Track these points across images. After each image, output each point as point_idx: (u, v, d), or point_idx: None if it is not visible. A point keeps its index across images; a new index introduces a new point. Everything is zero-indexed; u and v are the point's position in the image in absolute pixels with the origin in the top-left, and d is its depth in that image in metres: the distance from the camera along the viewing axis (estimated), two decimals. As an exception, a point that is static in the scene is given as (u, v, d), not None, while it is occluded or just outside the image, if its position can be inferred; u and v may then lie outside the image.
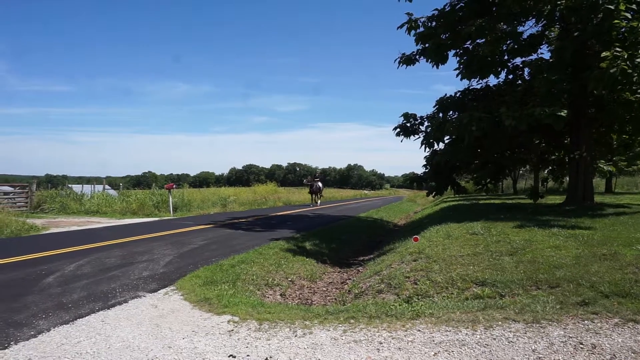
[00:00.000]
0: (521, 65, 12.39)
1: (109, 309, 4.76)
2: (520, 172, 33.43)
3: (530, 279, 4.84)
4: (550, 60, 10.31)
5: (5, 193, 19.29)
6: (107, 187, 24.84)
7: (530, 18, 11.16)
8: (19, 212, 15.91)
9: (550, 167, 15.42)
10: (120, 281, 5.99)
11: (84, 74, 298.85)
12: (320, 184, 25.79)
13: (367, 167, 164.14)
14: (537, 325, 3.64)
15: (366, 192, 78.89)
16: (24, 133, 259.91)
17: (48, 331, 4.04)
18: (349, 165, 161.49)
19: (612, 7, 8.63)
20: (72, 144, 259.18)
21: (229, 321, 4.31)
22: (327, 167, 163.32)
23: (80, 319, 4.38)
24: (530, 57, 11.58)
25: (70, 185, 23.62)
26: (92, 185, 24.41)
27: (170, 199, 18.59)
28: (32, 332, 3.99)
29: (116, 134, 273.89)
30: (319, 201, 26.25)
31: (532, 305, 4.06)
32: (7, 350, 3.60)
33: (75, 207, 18.34)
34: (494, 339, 3.47)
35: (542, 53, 11.56)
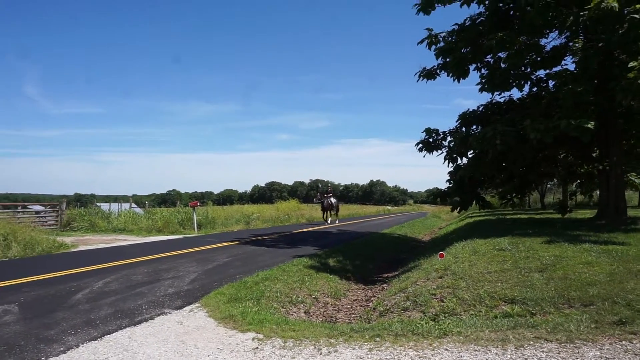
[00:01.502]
0: (545, 78, 12.20)
1: (135, 325, 4.82)
2: (548, 186, 32.63)
3: (562, 296, 4.68)
4: (575, 71, 10.13)
5: (37, 212, 19.97)
6: (133, 205, 25.38)
7: (553, 30, 11.03)
8: (49, 230, 16.38)
9: (578, 181, 15.02)
10: (146, 298, 6.07)
11: (113, 96, 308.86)
12: (333, 200, 23.62)
13: (390, 183, 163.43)
14: (571, 345, 3.51)
15: (389, 207, 78.21)
16: (55, 154, 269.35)
17: (77, 347, 4.11)
18: (372, 181, 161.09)
19: (638, 17, 8.45)
20: (100, 164, 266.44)
21: (253, 338, 4.30)
22: (350, 183, 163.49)
23: (108, 335, 4.45)
24: (555, 69, 11.41)
25: (98, 204, 24.23)
26: (119, 204, 24.98)
27: (195, 216, 18.84)
28: (62, 348, 4.07)
29: (143, 153, 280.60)
30: (333, 219, 24.21)
31: (565, 324, 3.91)
32: (38, 366, 3.68)
33: (103, 225, 18.77)
34: (526, 359, 3.36)
35: (566, 64, 11.37)
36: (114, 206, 23.89)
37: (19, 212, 19.46)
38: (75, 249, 12.09)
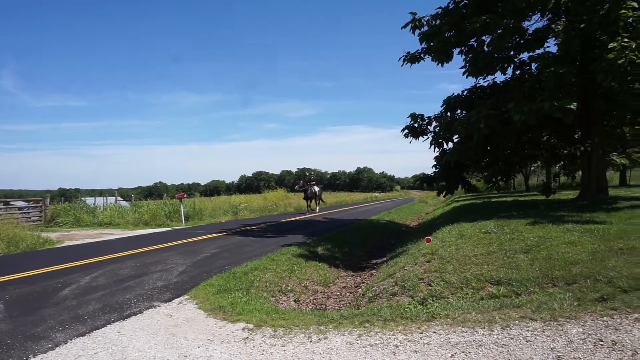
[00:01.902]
0: (528, 60, 12.27)
1: (124, 319, 4.79)
2: (532, 168, 33.09)
3: (546, 276, 4.77)
4: (558, 53, 10.21)
5: (20, 208, 19.58)
6: (119, 198, 25.04)
7: (536, 12, 11.06)
8: (33, 226, 16.12)
9: (561, 162, 15.24)
10: (134, 292, 6.03)
11: (95, 88, 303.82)
12: (316, 188, 22.55)
13: (377, 170, 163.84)
14: (555, 323, 3.59)
15: (376, 194, 78.54)
16: (37, 149, 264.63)
17: (65, 343, 4.08)
18: (359, 168, 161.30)
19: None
20: (84, 157, 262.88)
21: (243, 328, 4.31)
22: (337, 170, 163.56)
23: (97, 331, 4.42)
24: (537, 52, 11.48)
25: (83, 198, 23.85)
26: (105, 198, 24.61)
27: (182, 208, 18.70)
28: (50, 345, 4.03)
29: (128, 146, 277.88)
30: (317, 207, 23.54)
31: (549, 303, 4.00)
32: (25, 364, 3.64)
33: (88, 220, 18.53)
34: (512, 338, 3.42)
35: (548, 47, 11.44)
36: (99, 200, 23.55)
37: (1, 208, 19.07)
38: (61, 245, 11.92)
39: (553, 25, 11.32)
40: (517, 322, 3.72)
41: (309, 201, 22.76)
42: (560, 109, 8.91)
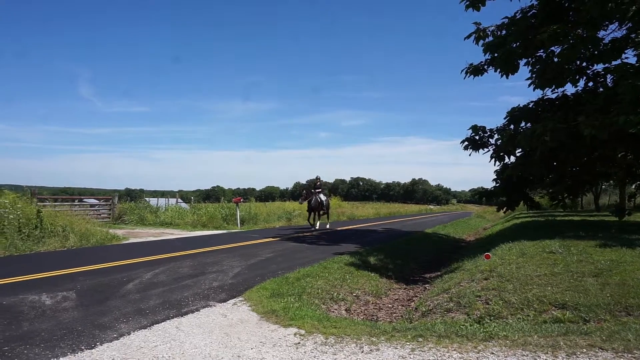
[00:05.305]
0: (602, 72, 11.52)
1: (182, 316, 4.99)
2: (603, 187, 30.91)
3: (618, 303, 4.42)
4: (637, 64, 9.51)
5: (92, 205, 21.07)
6: (179, 200, 26.21)
7: (613, 22, 10.39)
8: (102, 223, 17.24)
9: (638, 182, 14.12)
10: (192, 290, 6.27)
11: (159, 96, 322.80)
12: (322, 197, 17.77)
13: (433, 182, 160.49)
14: (629, 355, 3.31)
15: (431, 207, 76.71)
16: (107, 151, 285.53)
17: (128, 334, 4.31)
18: (414, 179, 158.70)
19: None
20: (148, 160, 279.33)
21: (295, 334, 4.34)
22: (391, 181, 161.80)
23: (157, 325, 4.64)
24: (614, 63, 10.74)
25: (147, 199, 25.25)
26: (166, 199, 25.89)
27: (238, 212, 19.24)
28: (115, 335, 4.28)
29: (188, 150, 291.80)
30: (324, 222, 18.78)
31: (622, 333, 3.69)
32: (93, 350, 3.89)
33: (151, 219, 19.54)
34: (579, 367, 3.20)
35: (626, 58, 10.68)
36: (162, 201, 24.79)
37: (75, 205, 20.60)
38: (126, 241, 12.66)
39: (633, 35, 10.57)
40: (584, 350, 3.47)
41: (313, 213, 17.78)
42: (637, 124, 8.28)
